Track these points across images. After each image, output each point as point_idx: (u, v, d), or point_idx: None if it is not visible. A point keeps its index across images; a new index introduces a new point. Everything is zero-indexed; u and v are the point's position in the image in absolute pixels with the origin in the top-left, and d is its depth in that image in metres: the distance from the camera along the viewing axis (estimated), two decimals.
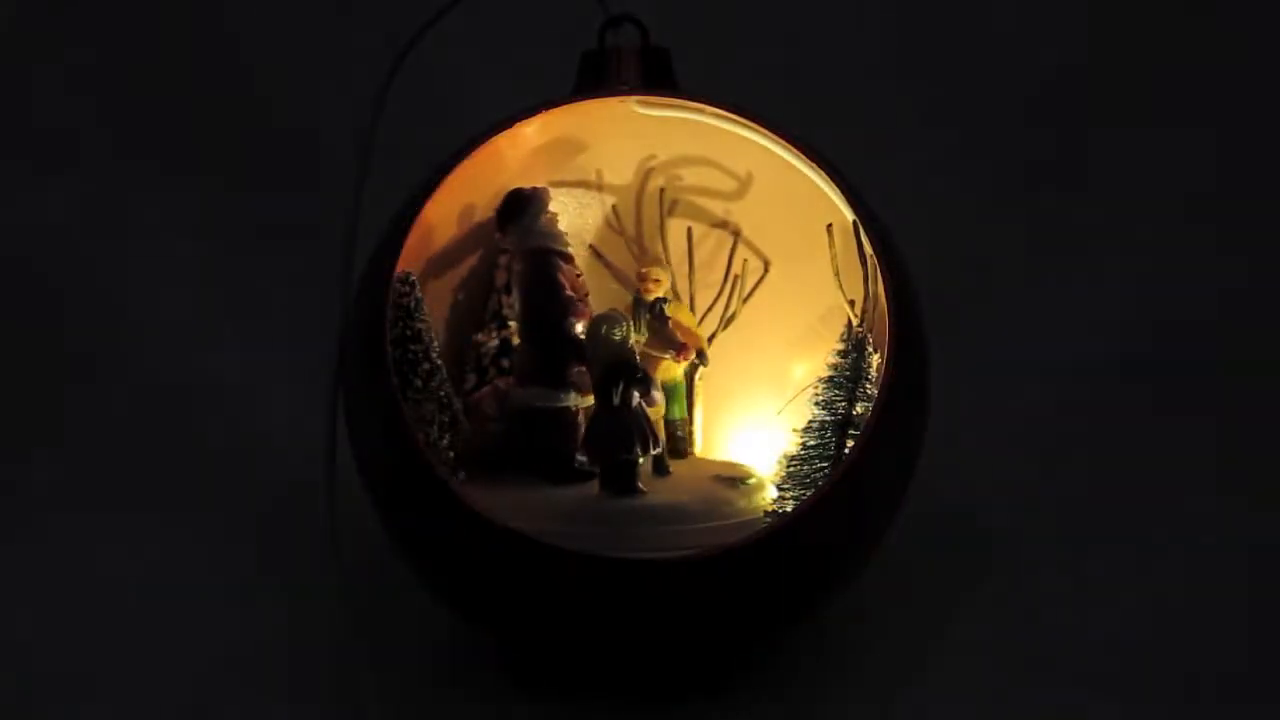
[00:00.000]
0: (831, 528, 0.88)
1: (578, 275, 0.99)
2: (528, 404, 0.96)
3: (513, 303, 0.98)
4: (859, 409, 0.91)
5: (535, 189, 0.98)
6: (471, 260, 1.00)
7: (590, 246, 1.02)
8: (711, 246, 1.00)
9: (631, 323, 0.97)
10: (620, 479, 0.92)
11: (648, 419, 0.94)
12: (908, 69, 1.35)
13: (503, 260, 0.99)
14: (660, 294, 0.99)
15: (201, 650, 1.00)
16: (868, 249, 0.91)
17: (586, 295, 0.99)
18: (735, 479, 0.95)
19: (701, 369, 0.99)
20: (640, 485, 0.92)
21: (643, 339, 0.98)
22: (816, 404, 0.92)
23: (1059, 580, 1.06)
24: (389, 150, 0.99)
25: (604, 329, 0.95)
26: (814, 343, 0.95)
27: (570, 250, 0.99)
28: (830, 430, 0.91)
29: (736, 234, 1.00)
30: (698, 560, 0.85)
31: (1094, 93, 1.33)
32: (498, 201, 0.98)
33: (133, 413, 1.17)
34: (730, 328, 1.01)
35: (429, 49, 0.98)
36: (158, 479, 1.13)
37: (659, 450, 0.95)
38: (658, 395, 0.95)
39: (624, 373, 0.93)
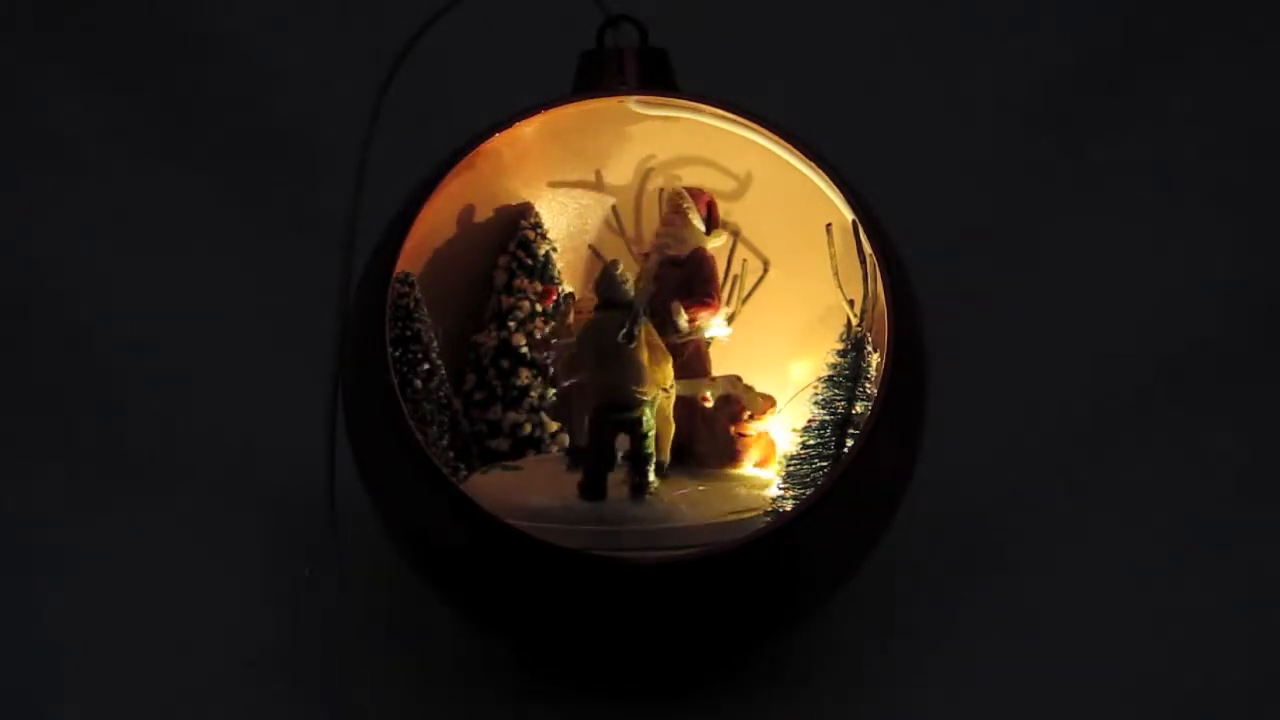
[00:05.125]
0: (831, 527, 0.88)
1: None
2: None
3: None
4: (858, 408, 0.91)
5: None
6: (471, 261, 1.00)
7: (590, 247, 1.02)
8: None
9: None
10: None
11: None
12: (908, 68, 1.35)
13: (501, 261, 1.00)
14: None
15: (201, 650, 1.00)
16: (867, 249, 0.91)
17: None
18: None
19: None
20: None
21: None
22: (816, 403, 0.93)
23: (1060, 581, 1.05)
24: (389, 150, 0.99)
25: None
26: (813, 342, 0.95)
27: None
28: (830, 429, 0.91)
29: (736, 234, 1.00)
30: (698, 560, 0.85)
31: (1095, 92, 1.33)
32: (498, 201, 0.99)
33: (131, 412, 1.17)
34: (730, 327, 1.01)
35: (429, 49, 0.98)
36: (156, 478, 1.13)
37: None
38: None
39: None
